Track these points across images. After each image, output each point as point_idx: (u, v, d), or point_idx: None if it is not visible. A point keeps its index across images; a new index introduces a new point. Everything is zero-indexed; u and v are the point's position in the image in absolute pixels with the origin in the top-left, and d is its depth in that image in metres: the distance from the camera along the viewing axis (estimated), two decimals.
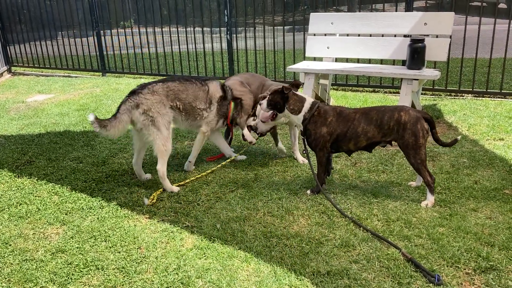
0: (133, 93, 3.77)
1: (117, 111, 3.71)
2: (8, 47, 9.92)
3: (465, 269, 2.64)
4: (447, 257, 2.74)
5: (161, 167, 3.76)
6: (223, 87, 4.19)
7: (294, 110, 3.59)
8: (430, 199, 3.38)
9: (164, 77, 4.08)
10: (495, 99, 6.05)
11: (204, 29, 8.12)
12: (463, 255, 2.75)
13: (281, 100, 3.60)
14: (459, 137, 3.57)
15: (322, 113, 3.53)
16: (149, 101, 3.71)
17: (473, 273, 2.61)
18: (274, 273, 2.68)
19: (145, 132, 3.74)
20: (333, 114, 3.52)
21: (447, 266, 2.67)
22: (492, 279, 2.54)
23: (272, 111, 3.71)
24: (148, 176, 4.12)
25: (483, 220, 3.13)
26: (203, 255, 2.89)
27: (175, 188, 3.84)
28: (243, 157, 4.47)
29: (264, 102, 3.66)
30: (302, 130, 3.64)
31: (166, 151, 3.76)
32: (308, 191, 3.63)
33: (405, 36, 5.50)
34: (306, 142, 3.65)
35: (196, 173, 4.17)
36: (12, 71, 10.02)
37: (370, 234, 3.01)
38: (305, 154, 3.80)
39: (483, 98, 6.11)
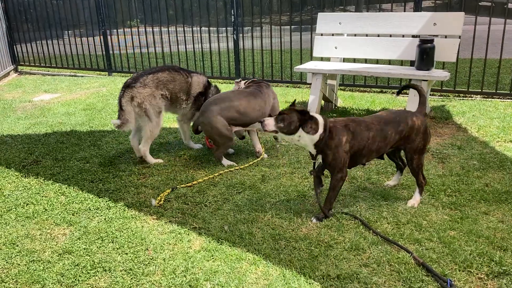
0: (127, 86, 4.23)
1: (121, 105, 4.20)
2: (15, 46, 9.94)
3: (477, 274, 2.60)
4: (459, 261, 2.69)
5: (143, 147, 4.35)
6: (206, 85, 4.60)
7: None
8: (417, 198, 3.42)
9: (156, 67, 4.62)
10: (504, 100, 5.99)
11: (211, 28, 8.10)
12: (476, 259, 2.71)
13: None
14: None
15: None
16: (142, 95, 4.18)
17: (485, 278, 2.56)
18: (283, 276, 2.65)
19: (139, 119, 4.28)
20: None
21: (459, 271, 2.62)
22: (505, 284, 2.50)
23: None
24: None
25: (495, 224, 3.08)
26: (211, 257, 2.87)
27: (158, 160, 4.41)
28: (198, 145, 4.79)
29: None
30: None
31: (152, 136, 4.34)
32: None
33: (413, 36, 5.45)
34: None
35: (204, 175, 4.14)
36: (19, 70, 10.04)
37: (381, 238, 2.97)
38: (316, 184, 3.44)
39: (493, 99, 6.05)
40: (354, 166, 3.39)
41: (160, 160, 4.42)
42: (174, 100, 4.42)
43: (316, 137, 3.13)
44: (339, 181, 3.22)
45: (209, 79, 4.73)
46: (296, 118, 3.10)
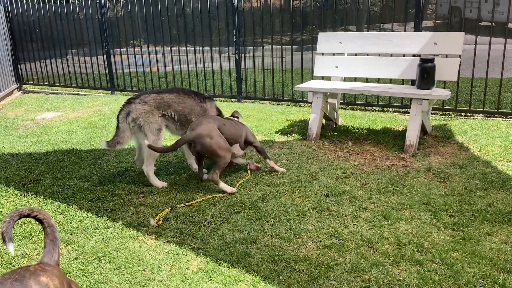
0: (128, 102, 4.30)
1: (118, 121, 4.29)
2: (19, 65, 10.04)
3: None
4: (462, 284, 2.64)
5: (146, 167, 4.26)
6: (218, 109, 4.58)
7: None
8: None
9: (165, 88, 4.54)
10: (506, 119, 5.97)
11: (213, 48, 8.16)
12: (479, 281, 2.65)
13: None
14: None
15: None
16: (138, 111, 4.20)
17: None
18: None
19: (136, 135, 4.29)
20: None
21: None
22: None
23: None
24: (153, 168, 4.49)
25: (498, 245, 3.03)
26: (209, 279, 2.82)
27: (163, 184, 4.27)
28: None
29: None
30: None
31: (152, 155, 4.22)
32: None
33: (414, 55, 5.47)
34: None
35: (203, 194, 4.11)
36: (23, 88, 10.11)
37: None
38: None
39: (494, 118, 6.03)
40: None
41: (165, 184, 4.26)
42: (183, 121, 4.36)
43: None
44: None
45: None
46: None
